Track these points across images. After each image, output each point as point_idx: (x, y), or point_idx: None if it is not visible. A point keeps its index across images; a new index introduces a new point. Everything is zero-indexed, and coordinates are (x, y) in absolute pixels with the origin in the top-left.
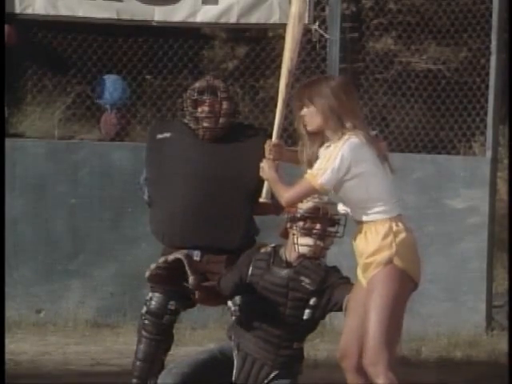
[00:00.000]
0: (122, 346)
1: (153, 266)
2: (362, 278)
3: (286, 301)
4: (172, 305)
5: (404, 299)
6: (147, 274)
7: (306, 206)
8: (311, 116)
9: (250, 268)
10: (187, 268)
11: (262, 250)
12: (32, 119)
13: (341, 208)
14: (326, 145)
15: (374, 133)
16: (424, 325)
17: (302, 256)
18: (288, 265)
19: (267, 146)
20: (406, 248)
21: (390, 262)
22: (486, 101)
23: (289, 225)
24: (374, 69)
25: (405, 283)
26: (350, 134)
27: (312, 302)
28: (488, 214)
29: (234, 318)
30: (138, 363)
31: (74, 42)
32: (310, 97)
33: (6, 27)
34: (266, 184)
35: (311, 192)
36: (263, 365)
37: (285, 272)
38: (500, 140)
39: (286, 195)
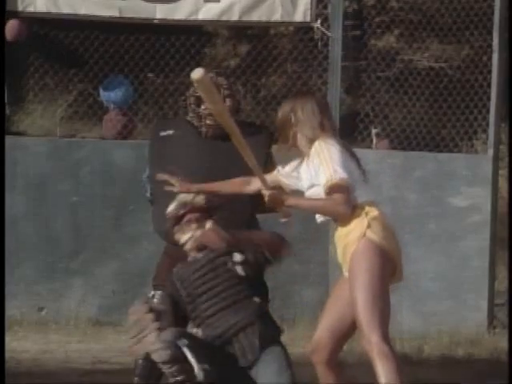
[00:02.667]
0: (124, 344)
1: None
2: (343, 269)
3: (218, 269)
4: None
5: (384, 274)
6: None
7: (170, 208)
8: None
9: (177, 283)
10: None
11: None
12: (34, 117)
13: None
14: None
15: (375, 131)
16: (426, 323)
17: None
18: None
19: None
20: (379, 224)
21: (363, 235)
22: (488, 99)
23: (173, 232)
24: (376, 67)
25: (382, 258)
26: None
27: (236, 258)
28: (490, 212)
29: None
30: (139, 361)
31: (75, 40)
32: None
33: (16, 22)
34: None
35: (346, 188)
36: (241, 333)
37: (200, 255)
38: (502, 138)
39: (341, 207)
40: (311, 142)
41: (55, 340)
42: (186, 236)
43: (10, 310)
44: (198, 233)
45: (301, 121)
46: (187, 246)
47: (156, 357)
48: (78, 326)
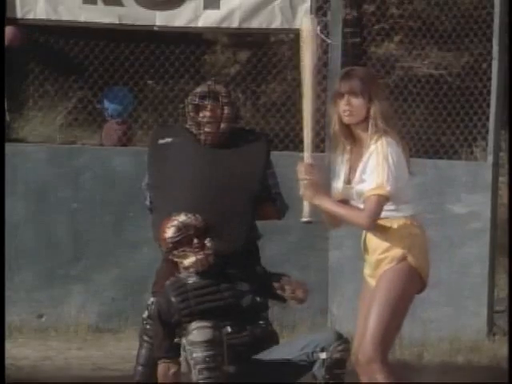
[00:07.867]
0: (124, 350)
1: None
2: (368, 278)
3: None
4: None
5: (410, 299)
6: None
7: (170, 233)
8: (360, 107)
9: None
10: None
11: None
12: (33, 124)
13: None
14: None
15: None
16: (425, 330)
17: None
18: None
19: (300, 168)
20: (419, 247)
21: (403, 258)
22: (488, 106)
23: (171, 257)
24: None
25: (414, 283)
26: (385, 135)
27: (242, 287)
28: (490, 219)
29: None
30: (139, 368)
31: (75, 46)
32: (368, 89)
33: (12, 29)
34: (306, 203)
35: (385, 203)
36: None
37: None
38: (502, 145)
39: (366, 221)
40: (377, 136)
41: (55, 347)
42: (191, 259)
43: (10, 317)
44: (201, 255)
45: (377, 106)
46: (191, 269)
47: (198, 335)
48: (78, 333)
